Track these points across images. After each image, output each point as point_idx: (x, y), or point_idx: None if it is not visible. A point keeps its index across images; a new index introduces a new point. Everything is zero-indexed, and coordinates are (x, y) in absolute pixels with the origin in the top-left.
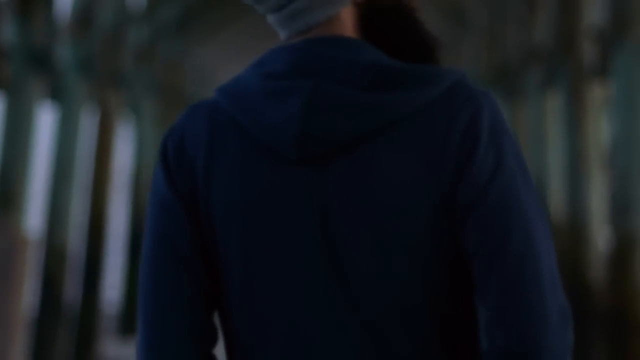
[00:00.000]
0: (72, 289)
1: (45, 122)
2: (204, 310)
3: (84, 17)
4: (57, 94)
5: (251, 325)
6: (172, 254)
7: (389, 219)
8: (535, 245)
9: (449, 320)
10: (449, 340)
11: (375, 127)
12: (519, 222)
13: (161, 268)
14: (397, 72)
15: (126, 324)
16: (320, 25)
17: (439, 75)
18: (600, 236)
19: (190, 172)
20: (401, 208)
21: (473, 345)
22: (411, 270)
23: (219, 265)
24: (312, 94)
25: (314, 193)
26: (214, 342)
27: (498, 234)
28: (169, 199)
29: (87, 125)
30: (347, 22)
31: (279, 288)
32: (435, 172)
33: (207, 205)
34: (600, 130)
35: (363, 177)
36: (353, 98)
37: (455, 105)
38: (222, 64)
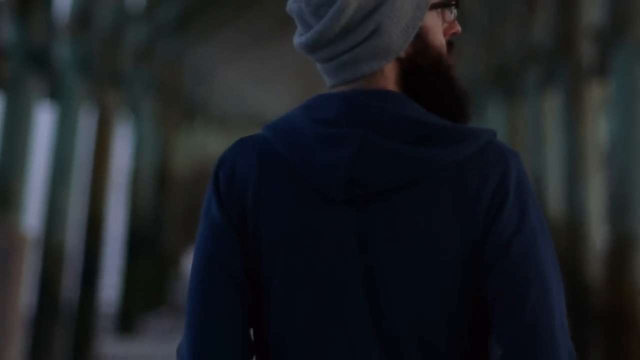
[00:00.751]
0: (69, 288)
1: (43, 121)
2: (248, 326)
3: (82, 17)
4: (56, 93)
5: (290, 344)
6: (223, 272)
7: (422, 262)
8: (550, 298)
9: (468, 350)
10: None
11: (415, 178)
12: (537, 276)
13: (213, 285)
14: (438, 129)
15: (124, 323)
16: (365, 77)
17: (474, 135)
18: (598, 235)
19: (240, 200)
20: (433, 253)
21: None
22: (437, 309)
23: (262, 285)
24: (361, 144)
25: (354, 231)
26: (252, 355)
27: (518, 286)
28: (220, 222)
29: (86, 125)
30: (390, 77)
31: (317, 312)
32: (466, 223)
33: (256, 232)
34: (599, 129)
35: (400, 222)
36: (397, 150)
37: (488, 164)
38: (221, 63)
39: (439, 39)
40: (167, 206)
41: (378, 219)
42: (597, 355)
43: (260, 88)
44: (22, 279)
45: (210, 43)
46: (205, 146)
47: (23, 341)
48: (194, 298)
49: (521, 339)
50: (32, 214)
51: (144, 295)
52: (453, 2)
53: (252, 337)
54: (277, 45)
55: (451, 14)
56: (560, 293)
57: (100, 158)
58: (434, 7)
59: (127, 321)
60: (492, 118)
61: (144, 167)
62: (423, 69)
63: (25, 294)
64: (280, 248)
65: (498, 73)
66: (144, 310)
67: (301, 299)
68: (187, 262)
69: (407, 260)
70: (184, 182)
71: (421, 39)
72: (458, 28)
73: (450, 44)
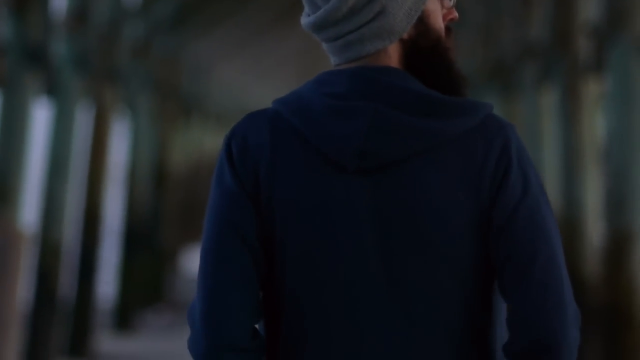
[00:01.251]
0: (67, 284)
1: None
2: (259, 289)
3: (79, 13)
4: (53, 90)
5: (300, 310)
6: (238, 237)
7: (432, 227)
8: (557, 258)
9: (475, 313)
10: (474, 327)
11: (424, 148)
12: (543, 239)
13: (229, 249)
14: (443, 103)
15: (121, 319)
16: (369, 56)
17: (475, 108)
18: (595, 231)
19: (254, 169)
20: (443, 219)
21: (490, 334)
22: (447, 271)
23: (275, 251)
24: (373, 116)
25: (367, 199)
26: (261, 317)
27: (528, 248)
28: (234, 189)
29: (83, 121)
30: (393, 56)
31: (332, 275)
32: (473, 190)
33: (270, 200)
34: (596, 125)
35: (411, 189)
36: (407, 122)
37: (490, 135)
38: (218, 59)
39: (438, 22)
40: (164, 202)
41: (390, 187)
42: (594, 350)
43: (258, 84)
44: (20, 274)
45: (208, 39)
46: (202, 142)
47: (20, 337)
48: (207, 261)
49: (532, 296)
50: (29, 210)
51: (141, 292)
52: None
53: (262, 301)
54: (274, 41)
55: (450, 1)
56: (562, 252)
57: (98, 154)
58: None
59: (125, 317)
60: None
61: (141, 163)
62: (424, 49)
63: (23, 290)
64: (295, 215)
65: (494, 69)
66: (141, 306)
67: (317, 264)
68: (185, 259)
69: (418, 225)
70: (181, 178)
71: (423, 22)
72: (456, 14)
73: (448, 29)
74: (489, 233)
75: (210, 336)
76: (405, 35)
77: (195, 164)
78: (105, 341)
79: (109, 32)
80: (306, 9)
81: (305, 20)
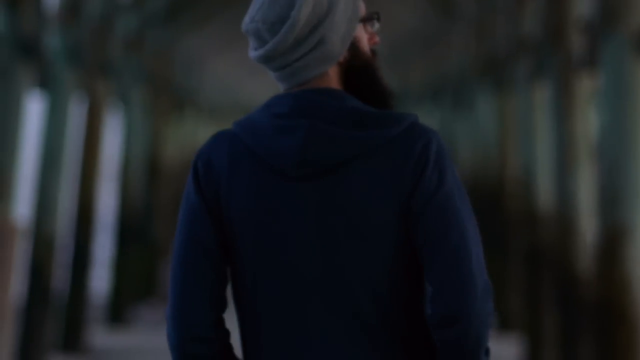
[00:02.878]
0: (60, 278)
1: (33, 110)
2: (220, 287)
3: (72, 6)
4: (46, 83)
5: (260, 299)
6: (199, 246)
7: (363, 220)
8: (466, 240)
9: (403, 290)
10: (403, 304)
11: (355, 155)
12: (455, 222)
13: (190, 256)
14: (371, 115)
15: (114, 313)
16: (314, 79)
17: (400, 118)
18: (588, 227)
19: (216, 186)
20: (372, 213)
21: (419, 311)
22: (379, 257)
23: (235, 254)
24: (309, 130)
25: (308, 201)
26: (224, 309)
27: (440, 231)
28: (198, 206)
29: (76, 114)
30: (333, 77)
31: (282, 270)
32: (396, 187)
33: (229, 210)
34: (589, 121)
35: (344, 191)
36: (339, 134)
37: (412, 139)
38: (210, 53)
39: (366, 46)
40: (157, 196)
41: (327, 190)
42: (587, 346)
43: (250, 78)
44: (13, 268)
45: (201, 33)
46: (195, 136)
47: (13, 330)
48: (174, 267)
49: (445, 274)
50: (22, 204)
51: (134, 286)
52: (375, 17)
53: (232, 294)
54: None
55: (373, 27)
56: (476, 236)
57: (90, 147)
58: (361, 21)
59: (118, 311)
60: (482, 109)
61: (134, 157)
62: (357, 69)
63: (16, 284)
64: (249, 222)
65: (488, 64)
66: (134, 300)
67: (268, 261)
68: None
69: (350, 220)
70: (174, 172)
71: (354, 46)
72: (377, 39)
73: (373, 51)
74: (411, 222)
75: (178, 330)
76: (341, 59)
77: (188, 158)
78: (98, 335)
79: (101, 26)
80: (253, 43)
81: (254, 53)
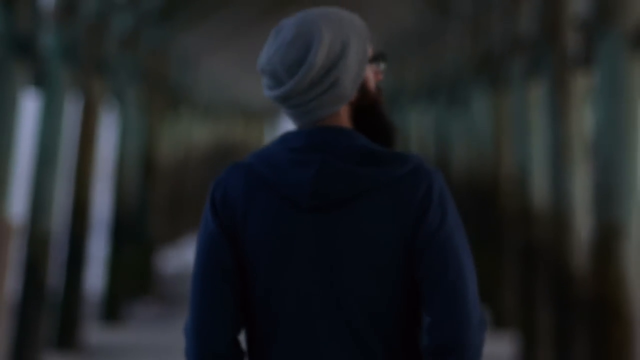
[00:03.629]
0: (55, 275)
1: (29, 108)
2: (237, 307)
3: (68, 4)
4: (41, 81)
5: (269, 321)
6: (218, 268)
7: (369, 253)
8: (464, 276)
9: (402, 320)
10: (402, 333)
11: (363, 190)
12: (454, 260)
13: (210, 278)
14: (379, 155)
15: (109, 311)
16: (326, 117)
17: (407, 159)
18: (583, 225)
19: (232, 214)
20: (377, 246)
21: (416, 340)
22: (379, 288)
23: (249, 276)
24: (322, 165)
25: (319, 231)
26: (241, 329)
27: (441, 267)
28: (216, 231)
29: (71, 112)
30: (344, 116)
31: (291, 294)
32: (401, 223)
33: (244, 237)
34: (584, 119)
35: (353, 223)
36: (349, 169)
37: (417, 180)
38: (206, 51)
39: (373, 84)
40: (152, 193)
41: (336, 221)
42: (581, 343)
43: (245, 76)
44: (8, 265)
45: (196, 31)
46: (190, 134)
47: (8, 327)
48: (195, 288)
49: (443, 307)
50: (18, 202)
51: (129, 283)
52: (381, 58)
53: (244, 315)
54: (261, 33)
55: (379, 67)
56: (472, 273)
57: (86, 145)
58: (369, 61)
59: (113, 309)
60: (477, 107)
61: (129, 155)
62: (366, 109)
63: (11, 281)
64: (264, 247)
65: (483, 62)
66: (129, 298)
67: (280, 283)
68: (173, 251)
69: (357, 251)
70: (169, 170)
71: (363, 86)
72: (381, 76)
73: (378, 87)
74: (413, 256)
75: (198, 348)
76: (352, 99)
77: (183, 156)
78: (93, 332)
79: (97, 24)
80: (269, 82)
81: (270, 92)
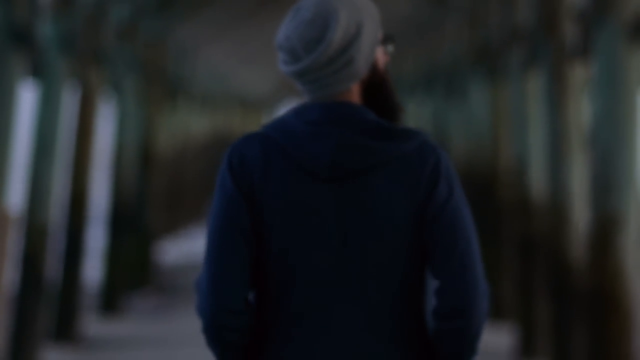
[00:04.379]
0: (53, 267)
1: (26, 99)
2: (251, 265)
3: None
4: (39, 71)
5: (280, 285)
6: (235, 227)
7: (382, 221)
8: (471, 246)
9: (409, 286)
10: (408, 298)
11: (377, 163)
12: (462, 230)
13: (227, 236)
14: (390, 130)
15: (107, 302)
16: (339, 93)
17: (416, 135)
18: (581, 216)
19: (250, 178)
20: (390, 215)
21: (420, 305)
22: (392, 254)
23: (263, 240)
24: (339, 138)
25: (334, 201)
26: (252, 289)
27: (451, 237)
28: (234, 193)
29: (69, 103)
30: (355, 92)
31: (303, 260)
32: (412, 195)
33: (261, 201)
34: (582, 110)
35: (367, 193)
36: (365, 143)
37: (426, 155)
38: (204, 42)
39: (382, 64)
40: (150, 184)
41: (351, 191)
42: (580, 335)
43: (243, 67)
44: (6, 256)
45: (194, 22)
46: (188, 125)
47: (6, 319)
48: (212, 246)
49: (453, 272)
50: (15, 192)
51: (127, 275)
52: (390, 40)
53: (256, 277)
54: (259, 24)
55: (388, 48)
56: (478, 245)
57: (83, 136)
58: (380, 43)
59: (111, 300)
60: (475, 98)
61: (127, 146)
62: (375, 86)
63: (9, 273)
64: (281, 213)
65: (481, 53)
66: (127, 289)
67: (295, 248)
68: (171, 242)
69: (371, 219)
70: (167, 161)
71: (373, 65)
72: (389, 57)
73: (385, 68)
74: (424, 225)
75: (213, 303)
76: (363, 77)
77: (181, 147)
78: (91, 324)
79: (94, 14)
80: (285, 57)
81: (286, 68)
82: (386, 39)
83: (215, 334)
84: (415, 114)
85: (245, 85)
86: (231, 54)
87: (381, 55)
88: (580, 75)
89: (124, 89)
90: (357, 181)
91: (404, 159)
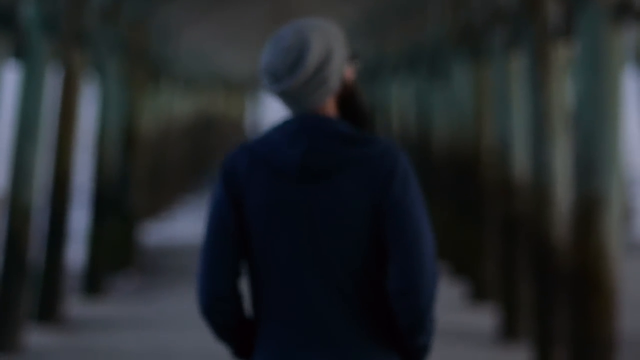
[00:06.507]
0: (36, 248)
1: (9, 80)
2: (236, 261)
3: None
4: (21, 53)
5: (266, 272)
6: (224, 230)
7: (347, 217)
8: (420, 235)
9: (372, 270)
10: (371, 281)
11: (343, 165)
12: (413, 224)
13: (217, 235)
14: (356, 138)
15: (90, 284)
16: (316, 107)
17: (378, 141)
18: (564, 197)
19: (238, 185)
20: (353, 211)
21: (382, 286)
22: (356, 244)
23: (250, 236)
24: (309, 145)
25: (306, 199)
26: (240, 276)
27: (402, 228)
28: (224, 199)
29: (52, 84)
30: (330, 105)
31: (282, 251)
32: (372, 192)
33: (246, 204)
34: (565, 91)
35: (333, 192)
36: (332, 148)
37: (385, 158)
38: (187, 24)
39: (350, 78)
40: (133, 166)
41: (320, 191)
42: (562, 315)
43: (227, 48)
44: None
45: (176, 3)
46: (171, 107)
47: None
48: (206, 246)
49: (403, 258)
50: None
51: (110, 256)
52: (356, 58)
53: (245, 267)
54: (242, 5)
55: (355, 65)
56: (429, 236)
57: (66, 118)
58: (347, 62)
59: (94, 282)
60: (458, 79)
61: (110, 128)
62: (347, 98)
63: None
64: (261, 213)
65: (464, 34)
66: (110, 270)
67: (274, 242)
68: (154, 224)
69: (335, 216)
70: (150, 143)
71: (344, 81)
72: (356, 69)
73: (354, 81)
74: (381, 219)
75: (207, 292)
76: (335, 91)
77: (164, 129)
78: (75, 305)
79: None
80: (269, 80)
81: (270, 88)
82: (353, 57)
83: (208, 316)
84: (398, 95)
85: (229, 66)
86: (215, 35)
87: (349, 72)
88: (563, 55)
89: (107, 71)
90: (325, 182)
91: (367, 161)
